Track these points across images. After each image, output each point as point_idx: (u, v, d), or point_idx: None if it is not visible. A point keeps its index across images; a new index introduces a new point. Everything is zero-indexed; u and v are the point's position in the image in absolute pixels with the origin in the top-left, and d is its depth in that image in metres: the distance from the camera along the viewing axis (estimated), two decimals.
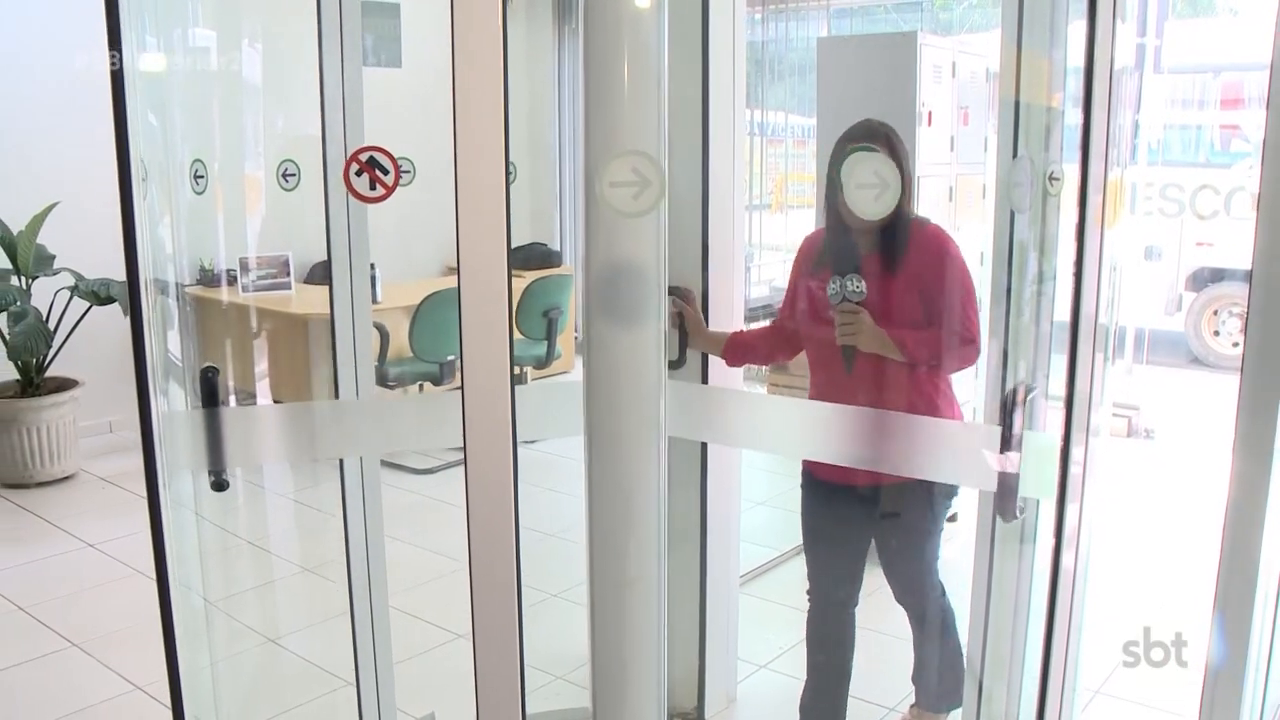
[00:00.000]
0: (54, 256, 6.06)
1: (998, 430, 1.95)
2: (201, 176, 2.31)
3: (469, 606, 1.43)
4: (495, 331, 1.32)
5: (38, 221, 5.89)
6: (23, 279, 5.92)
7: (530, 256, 6.97)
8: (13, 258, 5.87)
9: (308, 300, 5.91)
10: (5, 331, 5.78)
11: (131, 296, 1.93)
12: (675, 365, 2.70)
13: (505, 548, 1.42)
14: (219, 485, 2.12)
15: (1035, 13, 2.24)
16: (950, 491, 2.73)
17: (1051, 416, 2.10)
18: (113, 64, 1.84)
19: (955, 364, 2.64)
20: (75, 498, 5.77)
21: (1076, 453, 1.77)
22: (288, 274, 6.21)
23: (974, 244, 4.85)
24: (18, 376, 5.97)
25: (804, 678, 3.04)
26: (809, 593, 2.95)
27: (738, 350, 2.89)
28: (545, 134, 8.29)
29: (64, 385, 6.06)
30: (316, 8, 2.66)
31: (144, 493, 5.77)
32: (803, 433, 2.54)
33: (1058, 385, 1.89)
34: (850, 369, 2.55)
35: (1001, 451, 1.98)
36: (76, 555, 4.91)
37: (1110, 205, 1.71)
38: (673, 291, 2.60)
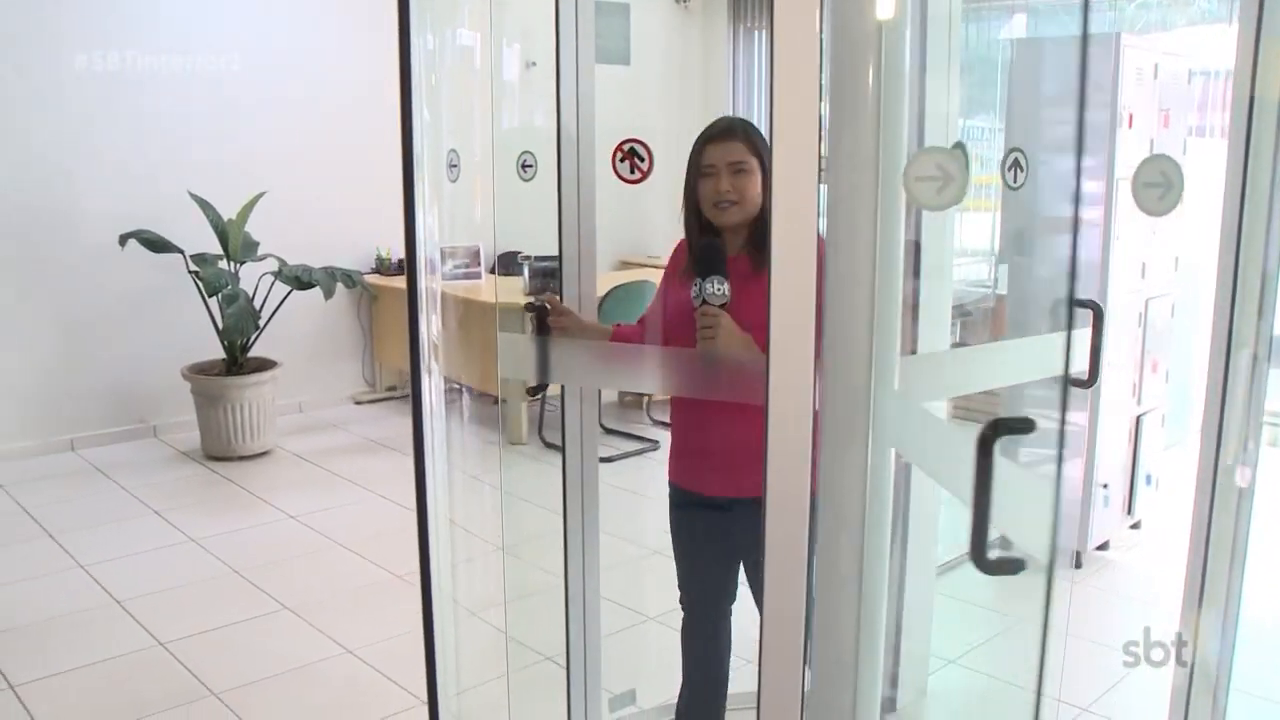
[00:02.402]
0: (259, 243, 6.41)
1: None
2: (455, 166, 2.45)
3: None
4: (802, 330, 1.40)
5: (246, 210, 6.24)
6: (232, 264, 6.28)
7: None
8: (224, 243, 6.24)
9: (492, 290, 6.15)
10: (219, 313, 6.14)
11: (410, 280, 2.08)
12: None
13: (798, 549, 1.49)
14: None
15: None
16: None
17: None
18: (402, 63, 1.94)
19: None
20: (273, 472, 6.10)
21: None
22: (479, 264, 6.47)
23: (1170, 247, 4.76)
24: (224, 356, 6.34)
25: (991, 676, 3.04)
26: (681, 601, 2.87)
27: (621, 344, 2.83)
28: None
29: (264, 365, 6.41)
30: (554, 8, 2.79)
31: (337, 470, 6.04)
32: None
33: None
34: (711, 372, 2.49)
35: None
36: (279, 525, 5.20)
37: None
38: (531, 309, 2.62)
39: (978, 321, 5.24)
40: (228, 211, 6.24)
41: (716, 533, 2.70)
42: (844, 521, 2.02)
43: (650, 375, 2.67)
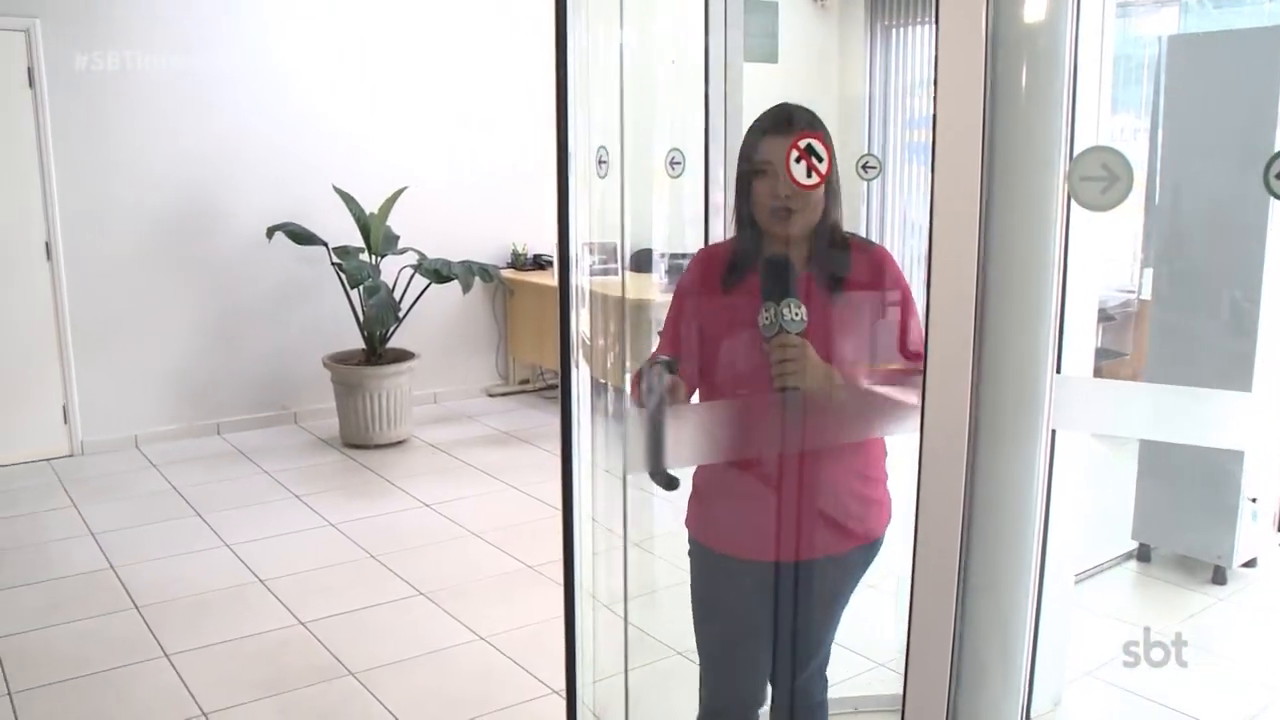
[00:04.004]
0: (399, 237, 6.57)
1: None
2: (604, 161, 2.46)
3: None
4: (959, 329, 1.37)
5: (388, 205, 6.40)
6: (373, 257, 6.44)
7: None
8: (366, 237, 6.41)
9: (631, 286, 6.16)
10: (360, 304, 6.31)
11: (561, 276, 2.10)
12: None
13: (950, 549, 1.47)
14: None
15: None
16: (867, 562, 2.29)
17: None
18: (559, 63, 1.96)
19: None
20: (409, 460, 6.24)
21: None
22: (616, 260, 6.50)
23: None
24: (363, 347, 6.52)
25: (1130, 688, 2.91)
26: (704, 706, 2.44)
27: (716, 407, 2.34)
28: (857, 131, 8.28)
29: (402, 356, 6.56)
30: (704, 6, 2.79)
31: (470, 460, 6.14)
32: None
33: None
34: (794, 419, 2.04)
35: None
36: (414, 513, 5.32)
37: None
38: (640, 384, 2.05)
39: (1119, 326, 5.09)
40: (370, 206, 6.40)
41: (765, 608, 2.29)
42: (998, 531, 1.99)
43: (751, 434, 2.21)
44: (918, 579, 1.59)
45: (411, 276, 6.54)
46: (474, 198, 7.21)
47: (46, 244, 5.96)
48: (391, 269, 6.55)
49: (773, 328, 2.01)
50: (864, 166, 2.40)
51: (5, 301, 5.89)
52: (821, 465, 2.18)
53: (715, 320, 2.20)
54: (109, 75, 6.00)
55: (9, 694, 3.53)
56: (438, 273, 6.42)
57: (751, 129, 2.11)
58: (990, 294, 2.03)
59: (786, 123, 2.06)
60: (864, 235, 2.32)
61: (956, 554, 1.52)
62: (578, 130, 2.19)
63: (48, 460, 6.06)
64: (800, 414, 2.10)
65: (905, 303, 2.15)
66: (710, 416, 2.20)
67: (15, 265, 5.91)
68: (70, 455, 6.15)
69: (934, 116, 1.40)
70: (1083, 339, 3.34)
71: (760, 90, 3.45)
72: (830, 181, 2.04)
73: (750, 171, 2.09)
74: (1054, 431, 2.88)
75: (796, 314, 2.00)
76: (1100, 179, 1.47)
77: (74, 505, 5.34)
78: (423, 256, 6.54)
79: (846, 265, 2.15)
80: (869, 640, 3.56)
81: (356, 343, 6.58)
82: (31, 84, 5.82)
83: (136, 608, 4.16)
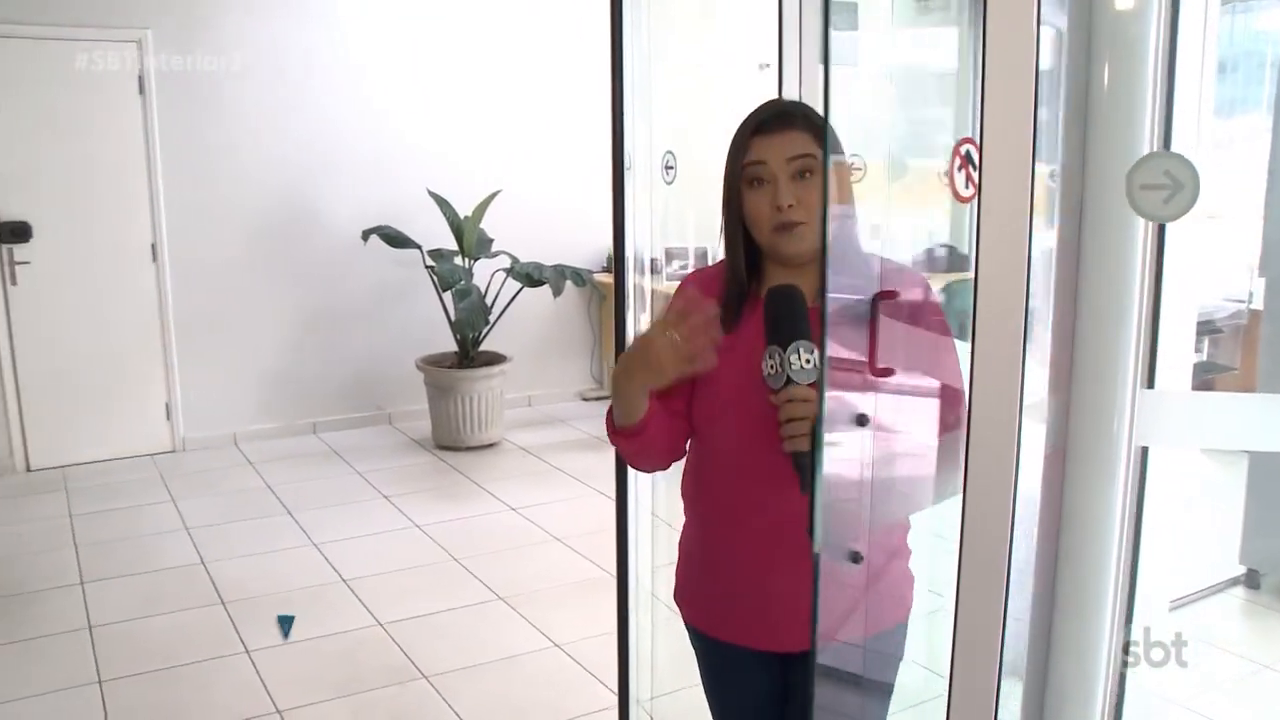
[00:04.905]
0: (493, 240, 6.61)
1: None
2: (671, 168, 2.42)
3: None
4: (1009, 342, 1.29)
5: (482, 208, 6.45)
6: (466, 260, 6.50)
7: (951, 260, 6.85)
8: (459, 240, 6.46)
9: None
10: (452, 307, 6.37)
11: (617, 277, 2.06)
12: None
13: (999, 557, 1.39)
14: None
15: None
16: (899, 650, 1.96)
17: None
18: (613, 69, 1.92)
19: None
20: (499, 463, 6.27)
21: None
22: (692, 263, 6.45)
23: None
24: (456, 349, 6.57)
25: None
26: None
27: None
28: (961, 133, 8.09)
29: (494, 360, 6.60)
30: (778, 8, 2.72)
31: (560, 465, 6.14)
32: None
33: None
34: (807, 489, 1.63)
35: None
36: (500, 516, 5.33)
37: None
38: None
39: (1228, 339, 4.84)
40: (465, 209, 6.46)
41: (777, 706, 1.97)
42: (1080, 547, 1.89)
43: (757, 503, 1.85)
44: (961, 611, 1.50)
45: (504, 280, 6.58)
46: (569, 201, 7.22)
47: (152, 246, 6.14)
48: (485, 272, 6.60)
49: (779, 379, 1.65)
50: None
51: (114, 302, 6.09)
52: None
53: (716, 369, 1.77)
54: (211, 83, 6.15)
55: (99, 681, 3.62)
56: (529, 276, 6.45)
57: (741, 127, 1.78)
58: (1078, 308, 1.93)
59: (780, 119, 1.77)
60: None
61: (1003, 577, 1.43)
62: (636, 135, 2.15)
63: (151, 455, 6.24)
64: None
65: (943, 340, 1.77)
66: (708, 478, 1.91)
67: (124, 267, 6.10)
68: (172, 451, 6.33)
69: (980, 116, 1.31)
70: (1180, 352, 3.19)
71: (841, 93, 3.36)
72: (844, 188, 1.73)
73: (741, 181, 1.76)
74: (1144, 449, 2.74)
75: (808, 361, 1.63)
76: (1163, 187, 1.37)
77: (172, 500, 5.48)
78: (515, 260, 6.57)
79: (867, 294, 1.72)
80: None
81: (450, 345, 6.64)
82: (142, 91, 6.00)
83: (223, 603, 4.24)
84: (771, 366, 1.64)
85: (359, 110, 6.59)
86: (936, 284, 1.97)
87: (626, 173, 2.25)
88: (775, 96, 1.86)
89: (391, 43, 6.64)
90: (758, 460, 1.76)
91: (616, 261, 2.15)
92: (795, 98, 2.82)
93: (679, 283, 1.94)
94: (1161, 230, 2.98)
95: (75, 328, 6.01)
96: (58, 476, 5.88)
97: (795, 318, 1.65)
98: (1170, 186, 1.35)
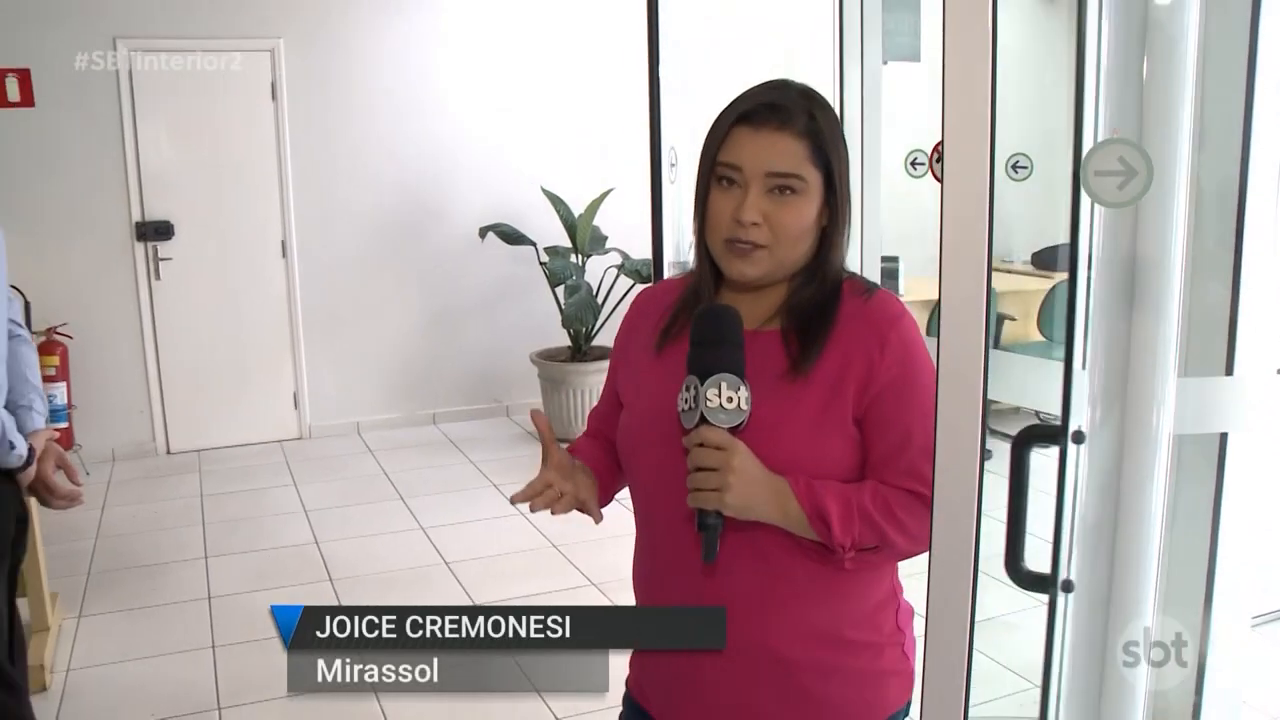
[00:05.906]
0: (606, 237, 6.76)
1: None
2: None
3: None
4: (971, 336, 1.32)
5: (595, 205, 6.60)
6: (579, 256, 6.66)
7: (1058, 258, 6.72)
8: (572, 237, 6.63)
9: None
10: (561, 302, 6.54)
11: (656, 277, 2.15)
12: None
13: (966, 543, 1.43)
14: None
15: None
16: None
17: None
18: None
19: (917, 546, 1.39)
20: None
21: None
22: None
23: None
24: (569, 344, 6.74)
25: None
26: None
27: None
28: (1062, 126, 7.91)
29: (605, 354, 6.72)
30: (837, 6, 2.77)
31: None
32: None
33: None
34: (711, 557, 1.37)
35: None
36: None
37: None
38: None
39: None
40: (578, 207, 6.62)
41: None
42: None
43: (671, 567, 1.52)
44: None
45: (616, 276, 6.72)
46: (682, 199, 7.30)
47: (283, 243, 6.49)
48: (599, 269, 6.75)
49: (691, 415, 1.35)
50: (912, 164, 2.23)
51: (248, 297, 6.47)
52: (767, 623, 1.43)
53: (638, 395, 1.51)
54: (337, 88, 6.48)
55: (213, 646, 3.89)
56: (639, 273, 6.57)
57: (725, 110, 1.46)
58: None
59: (771, 112, 1.40)
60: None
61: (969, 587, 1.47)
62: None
63: (279, 442, 6.60)
64: (729, 555, 1.39)
65: (913, 391, 1.40)
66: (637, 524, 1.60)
67: (256, 263, 6.47)
68: (299, 438, 6.68)
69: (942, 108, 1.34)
70: (1264, 337, 3.10)
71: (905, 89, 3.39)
72: (831, 207, 1.42)
73: (711, 176, 1.43)
74: (1224, 435, 2.69)
75: (729, 399, 1.33)
76: (1117, 174, 1.39)
77: (294, 484, 5.79)
78: (626, 257, 6.70)
79: (831, 320, 1.41)
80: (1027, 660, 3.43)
81: (564, 340, 6.81)
82: (274, 97, 6.35)
83: (330, 580, 4.48)
84: (686, 401, 1.35)
85: (476, 111, 6.82)
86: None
87: (670, 170, 2.34)
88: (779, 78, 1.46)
89: (507, 45, 6.85)
90: (671, 511, 1.42)
91: (655, 262, 2.24)
92: (857, 93, 2.85)
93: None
94: (1241, 215, 2.95)
95: (211, 321, 6.40)
96: (193, 459, 6.27)
97: (721, 344, 1.36)
98: (1124, 173, 1.38)
